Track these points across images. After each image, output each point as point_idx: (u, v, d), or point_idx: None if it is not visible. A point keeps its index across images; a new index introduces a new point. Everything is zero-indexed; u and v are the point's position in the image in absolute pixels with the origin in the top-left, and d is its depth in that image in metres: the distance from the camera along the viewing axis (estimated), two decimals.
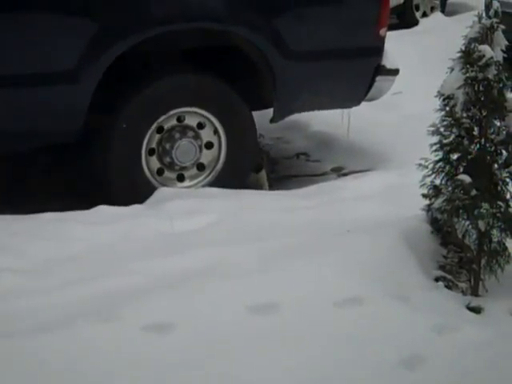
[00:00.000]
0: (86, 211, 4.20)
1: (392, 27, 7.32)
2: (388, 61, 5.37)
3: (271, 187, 5.14)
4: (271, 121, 5.15)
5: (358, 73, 5.28)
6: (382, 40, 5.30)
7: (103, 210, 4.23)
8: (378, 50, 5.31)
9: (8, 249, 3.67)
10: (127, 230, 3.90)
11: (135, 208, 4.33)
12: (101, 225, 3.97)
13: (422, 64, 7.07)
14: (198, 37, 4.83)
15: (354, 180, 5.11)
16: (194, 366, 2.83)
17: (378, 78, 5.31)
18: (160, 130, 4.76)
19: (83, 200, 4.49)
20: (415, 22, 9.95)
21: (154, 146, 4.76)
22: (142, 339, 2.92)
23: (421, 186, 3.62)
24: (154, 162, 4.78)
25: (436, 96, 3.54)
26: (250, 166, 5.06)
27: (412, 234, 3.64)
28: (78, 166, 5.10)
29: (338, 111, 5.74)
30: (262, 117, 5.19)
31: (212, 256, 3.44)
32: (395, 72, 5.41)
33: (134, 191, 4.65)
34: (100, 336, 2.90)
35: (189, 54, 4.86)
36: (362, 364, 2.88)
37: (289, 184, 5.34)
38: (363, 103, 5.42)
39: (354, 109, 5.56)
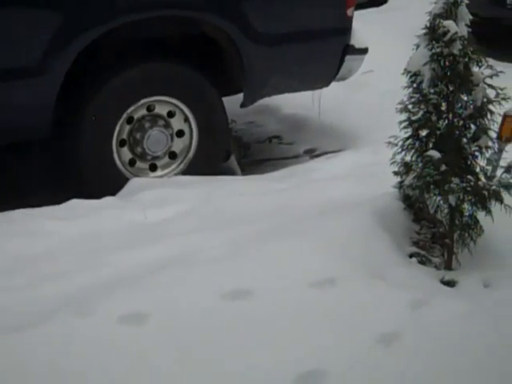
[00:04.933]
0: (58, 206, 4.17)
1: (361, 6, 7.34)
2: (357, 40, 5.37)
3: (244, 172, 5.13)
4: (242, 105, 5.14)
5: (327, 53, 5.28)
6: (349, 20, 5.30)
7: (75, 203, 4.21)
8: (345, 30, 5.31)
9: None
10: (100, 222, 3.88)
11: (108, 200, 4.31)
12: (73, 218, 3.94)
13: (391, 42, 7.07)
14: (166, 24, 4.80)
15: (326, 161, 5.12)
16: (174, 354, 2.82)
17: (347, 58, 5.31)
18: (130, 120, 4.73)
19: (56, 195, 4.45)
20: (384, 1, 9.93)
21: (124, 136, 4.73)
22: (119, 331, 2.91)
23: (391, 163, 3.63)
24: (126, 153, 4.76)
25: (403, 73, 3.54)
26: (223, 153, 5.05)
27: (385, 211, 3.65)
28: (50, 160, 5.06)
29: (308, 93, 5.74)
30: (233, 102, 5.18)
31: (186, 244, 3.43)
32: (364, 51, 5.41)
33: (106, 183, 4.62)
34: (77, 331, 2.88)
35: (158, 42, 4.83)
36: (338, 343, 2.88)
37: (262, 168, 5.34)
38: (333, 83, 5.42)
39: (324, 90, 5.56)
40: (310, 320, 3.01)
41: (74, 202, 4.24)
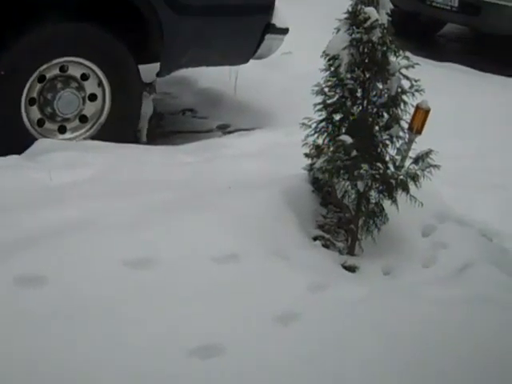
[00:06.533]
0: None
1: None
2: (278, 19, 5.35)
3: (155, 142, 5.07)
4: (158, 75, 5.06)
5: (248, 30, 5.24)
6: None
7: None
8: (268, 7, 5.28)
9: None
10: (2, 180, 3.76)
11: (12, 158, 4.18)
12: None
13: (312, 24, 7.09)
14: None
15: (238, 138, 5.10)
16: (66, 321, 2.77)
17: (267, 37, 5.29)
18: (42, 79, 4.61)
19: None
20: None
21: (34, 95, 4.61)
22: (15, 293, 2.83)
23: (303, 145, 3.63)
24: (35, 112, 4.63)
25: (322, 56, 3.54)
26: (134, 120, 4.97)
27: (293, 192, 3.67)
28: None
29: (225, 69, 5.71)
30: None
31: (89, 209, 3.36)
32: (285, 31, 5.40)
33: (13, 141, 4.49)
34: None
35: (78, 2, 4.70)
36: (236, 319, 2.88)
37: (174, 140, 5.29)
38: (252, 61, 5.39)
39: (242, 67, 5.54)
40: (209, 294, 3.01)
41: None
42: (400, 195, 3.54)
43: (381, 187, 3.53)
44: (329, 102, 3.56)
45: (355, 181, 3.49)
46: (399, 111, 3.55)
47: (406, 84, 3.53)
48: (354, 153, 3.46)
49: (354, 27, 3.46)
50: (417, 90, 3.52)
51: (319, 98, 3.57)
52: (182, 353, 2.72)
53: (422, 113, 3.68)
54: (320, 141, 3.61)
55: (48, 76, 4.61)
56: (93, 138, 4.75)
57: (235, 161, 4.27)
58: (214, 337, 2.82)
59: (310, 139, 3.61)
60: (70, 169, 3.97)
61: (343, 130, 3.56)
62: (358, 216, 3.60)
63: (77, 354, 2.65)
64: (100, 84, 4.77)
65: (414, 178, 3.53)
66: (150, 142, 5.08)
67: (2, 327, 2.70)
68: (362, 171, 3.45)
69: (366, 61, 3.48)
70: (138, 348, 2.71)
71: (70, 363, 2.62)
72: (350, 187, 3.59)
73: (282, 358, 2.76)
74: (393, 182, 3.52)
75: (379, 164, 3.53)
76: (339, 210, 3.69)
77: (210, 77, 6.15)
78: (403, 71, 3.50)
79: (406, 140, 3.65)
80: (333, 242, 3.61)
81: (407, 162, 3.62)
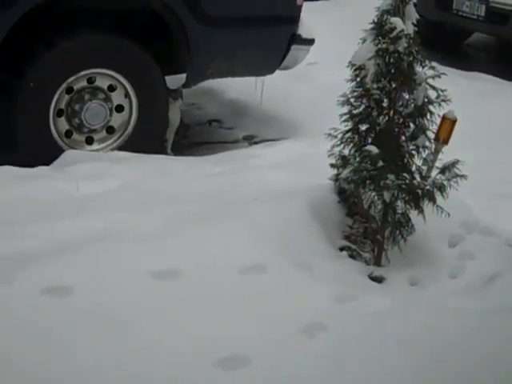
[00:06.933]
0: None
1: None
2: (304, 30, 5.37)
3: (182, 153, 5.09)
4: (184, 86, 5.10)
5: (273, 41, 5.26)
6: (298, 9, 5.29)
7: (7, 170, 4.11)
8: (294, 18, 5.30)
9: None
10: (31, 191, 3.80)
11: (40, 170, 4.23)
12: (3, 185, 3.85)
13: (338, 35, 7.08)
14: None
15: (264, 148, 5.10)
16: (91, 331, 2.78)
17: (293, 47, 5.31)
18: (70, 90, 4.65)
19: None
20: None
21: (62, 106, 4.65)
22: (40, 303, 2.85)
23: (329, 155, 3.63)
24: (63, 124, 4.68)
25: (347, 66, 3.54)
26: (161, 131, 5.00)
27: (319, 203, 3.66)
28: None
29: (251, 79, 5.72)
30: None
31: (116, 220, 3.38)
32: (311, 42, 5.41)
33: (41, 153, 4.54)
34: None
35: (102, 14, 4.74)
36: (262, 331, 2.88)
37: (200, 150, 5.31)
38: (277, 72, 5.40)
39: (268, 77, 5.54)
40: (234, 305, 3.00)
41: (6, 168, 4.14)
42: (426, 205, 3.53)
43: (407, 197, 3.52)
44: (355, 112, 3.56)
45: (381, 191, 3.48)
46: (425, 121, 3.54)
47: (432, 94, 3.52)
48: (380, 163, 3.45)
49: (380, 37, 3.45)
50: (443, 100, 3.51)
51: (345, 109, 3.57)
52: (207, 364, 2.71)
53: (448, 123, 3.66)
54: (346, 151, 3.60)
55: (76, 87, 4.65)
56: (120, 148, 4.78)
57: (261, 171, 4.27)
58: (239, 348, 2.81)
59: (336, 149, 3.61)
60: (97, 180, 4.00)
61: (369, 141, 3.56)
62: (385, 226, 3.58)
63: (101, 363, 2.66)
64: (127, 95, 4.81)
65: (441, 188, 3.51)
66: (176, 152, 5.11)
67: (28, 335, 2.71)
68: (388, 181, 3.44)
69: (392, 71, 3.47)
70: (163, 358, 2.72)
71: (93, 372, 2.63)
72: (376, 197, 3.57)
73: (308, 370, 2.75)
74: (419, 192, 3.50)
75: (405, 174, 3.52)
76: (365, 220, 3.68)
77: (236, 87, 6.17)
78: (429, 81, 3.50)
79: (433, 150, 3.64)
80: (359, 253, 3.60)
81: (434, 172, 3.60)
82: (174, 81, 5.01)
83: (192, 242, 3.24)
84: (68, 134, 4.70)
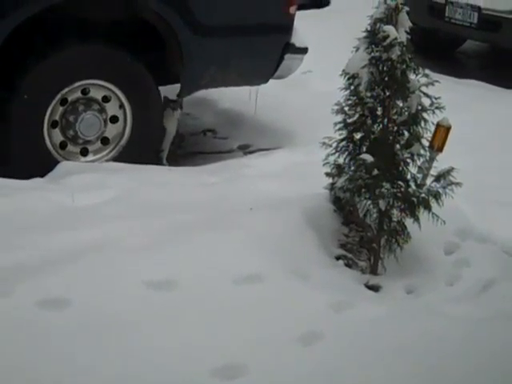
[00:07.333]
0: None
1: (303, 7, 7.35)
2: (297, 39, 5.37)
3: (177, 163, 5.09)
4: (178, 96, 5.10)
5: (267, 50, 5.26)
6: (291, 18, 5.29)
7: (1, 182, 4.10)
8: (287, 27, 5.30)
9: None
10: (26, 203, 3.79)
11: (35, 181, 4.23)
12: None
13: (332, 43, 7.11)
14: (104, 8, 4.72)
15: (259, 158, 5.11)
16: (88, 342, 2.78)
17: (286, 56, 5.31)
18: (64, 102, 4.64)
19: None
20: (326, 3, 9.98)
21: (57, 118, 4.65)
22: (38, 315, 2.85)
23: (324, 164, 3.64)
24: (57, 135, 4.67)
25: (341, 75, 3.55)
26: (156, 142, 5.00)
27: (314, 212, 3.66)
28: None
29: (246, 89, 5.72)
30: (170, 93, 5.13)
31: (112, 231, 3.38)
32: (304, 50, 5.41)
33: (36, 165, 4.53)
34: None
35: (95, 25, 4.74)
36: (258, 339, 2.87)
37: (195, 160, 5.31)
38: (272, 81, 5.41)
39: (262, 87, 5.55)
40: (231, 314, 3.00)
41: (0, 180, 4.13)
42: (422, 213, 3.53)
43: (402, 206, 3.52)
44: (349, 120, 3.57)
45: (377, 199, 3.49)
46: (420, 129, 3.54)
47: (426, 101, 3.53)
48: (375, 171, 3.46)
49: (373, 46, 3.47)
50: (437, 108, 3.52)
51: (339, 117, 3.57)
52: (204, 373, 2.71)
53: (442, 130, 3.67)
54: (341, 160, 3.61)
55: (70, 99, 4.65)
56: (115, 159, 4.78)
57: (256, 181, 4.27)
58: (236, 357, 2.81)
59: (331, 158, 3.62)
60: (93, 191, 4.00)
61: (364, 149, 3.56)
62: (380, 235, 3.59)
63: (99, 373, 2.66)
64: (121, 106, 4.81)
65: (436, 195, 3.52)
66: (171, 163, 5.11)
67: (27, 347, 2.71)
68: (383, 190, 3.45)
69: (386, 79, 3.48)
70: (160, 368, 2.71)
71: (92, 383, 2.63)
72: (371, 206, 3.58)
73: (305, 378, 2.75)
74: (414, 200, 3.51)
75: (400, 182, 3.52)
76: (361, 229, 3.68)
77: (230, 97, 6.18)
78: (423, 89, 3.50)
79: (427, 158, 3.64)
80: (355, 262, 3.60)
81: (428, 180, 3.61)
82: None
83: (188, 251, 3.24)
84: (63, 145, 4.70)
